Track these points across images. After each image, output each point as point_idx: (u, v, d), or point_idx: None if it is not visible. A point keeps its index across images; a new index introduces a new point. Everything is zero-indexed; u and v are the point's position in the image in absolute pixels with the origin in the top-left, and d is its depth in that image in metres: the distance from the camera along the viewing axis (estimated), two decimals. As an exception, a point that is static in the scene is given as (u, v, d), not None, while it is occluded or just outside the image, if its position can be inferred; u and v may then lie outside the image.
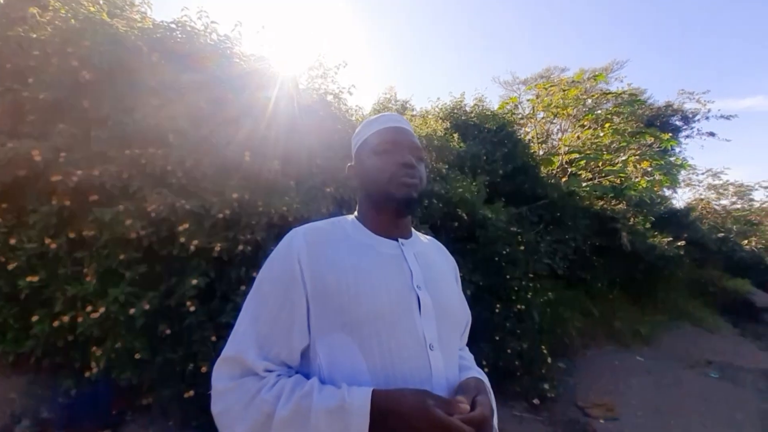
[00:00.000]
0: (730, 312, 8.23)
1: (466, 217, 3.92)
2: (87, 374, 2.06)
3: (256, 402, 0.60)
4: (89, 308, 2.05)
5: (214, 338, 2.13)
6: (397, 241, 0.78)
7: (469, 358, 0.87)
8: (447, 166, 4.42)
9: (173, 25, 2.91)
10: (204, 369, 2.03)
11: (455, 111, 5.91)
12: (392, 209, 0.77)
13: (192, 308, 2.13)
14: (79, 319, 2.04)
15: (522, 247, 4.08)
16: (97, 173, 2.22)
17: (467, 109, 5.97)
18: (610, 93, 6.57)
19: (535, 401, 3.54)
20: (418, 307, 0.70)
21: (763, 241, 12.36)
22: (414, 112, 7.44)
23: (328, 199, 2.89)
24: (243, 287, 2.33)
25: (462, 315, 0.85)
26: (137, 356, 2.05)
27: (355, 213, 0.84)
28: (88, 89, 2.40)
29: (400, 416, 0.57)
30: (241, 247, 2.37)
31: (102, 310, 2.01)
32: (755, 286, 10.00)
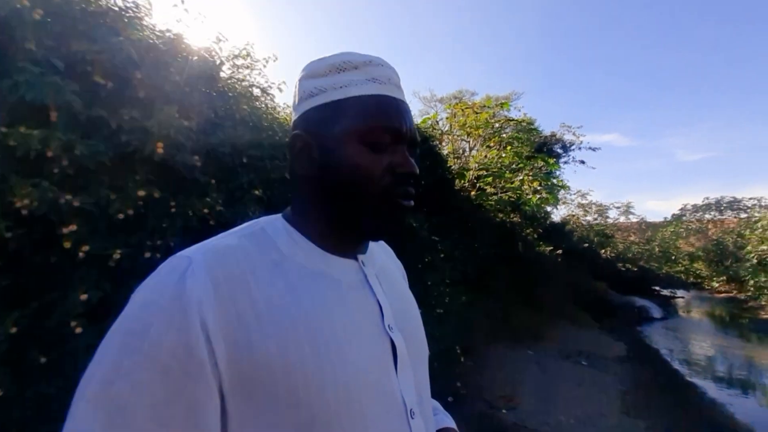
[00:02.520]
0: (593, 309, 10.08)
1: (392, 225, 4.03)
2: None
3: None
4: None
5: (108, 365, 1.76)
6: (356, 259, 0.52)
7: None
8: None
9: (61, -23, 2.36)
10: (93, 404, 1.65)
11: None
12: (364, 234, 0.52)
13: (78, 329, 1.72)
14: None
15: (442, 255, 4.36)
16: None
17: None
18: (512, 120, 7.54)
19: (450, 399, 3.79)
20: (393, 360, 0.48)
21: (616, 251, 15.55)
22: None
23: (256, 203, 2.67)
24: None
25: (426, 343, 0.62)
26: (-7, 394, 1.56)
27: (285, 214, 0.53)
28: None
29: None
30: (147, 255, 2.02)
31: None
32: (610, 287, 12.46)
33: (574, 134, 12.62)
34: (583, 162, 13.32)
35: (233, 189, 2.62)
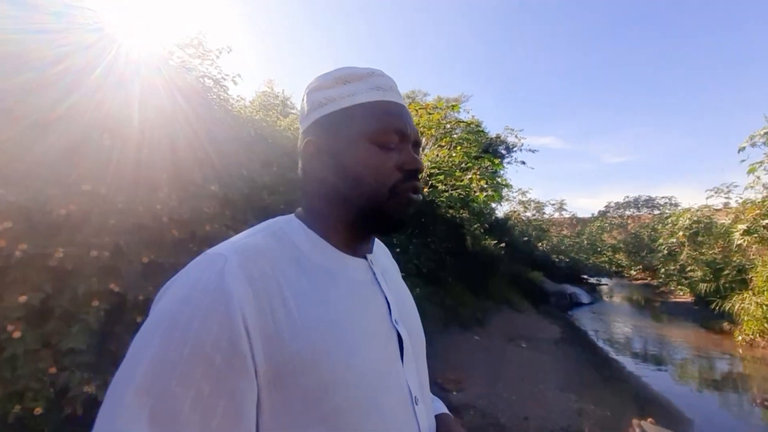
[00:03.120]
0: (531, 297, 10.99)
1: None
2: None
3: None
4: None
5: (53, 370, 1.66)
6: (366, 259, 0.56)
7: None
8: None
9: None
10: (38, 410, 1.55)
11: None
12: (376, 231, 0.56)
13: (17, 334, 1.60)
14: None
15: (397, 249, 4.54)
16: None
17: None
18: (462, 122, 7.96)
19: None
20: (400, 352, 0.52)
21: (551, 244, 17.02)
22: (294, 110, 7.29)
23: (212, 199, 2.61)
24: (96, 303, 1.88)
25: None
26: None
27: (298, 215, 0.56)
28: None
29: None
30: (95, 253, 1.91)
31: None
32: (546, 276, 13.63)
33: (516, 137, 13.58)
34: (524, 162, 14.39)
35: (186, 184, 2.53)
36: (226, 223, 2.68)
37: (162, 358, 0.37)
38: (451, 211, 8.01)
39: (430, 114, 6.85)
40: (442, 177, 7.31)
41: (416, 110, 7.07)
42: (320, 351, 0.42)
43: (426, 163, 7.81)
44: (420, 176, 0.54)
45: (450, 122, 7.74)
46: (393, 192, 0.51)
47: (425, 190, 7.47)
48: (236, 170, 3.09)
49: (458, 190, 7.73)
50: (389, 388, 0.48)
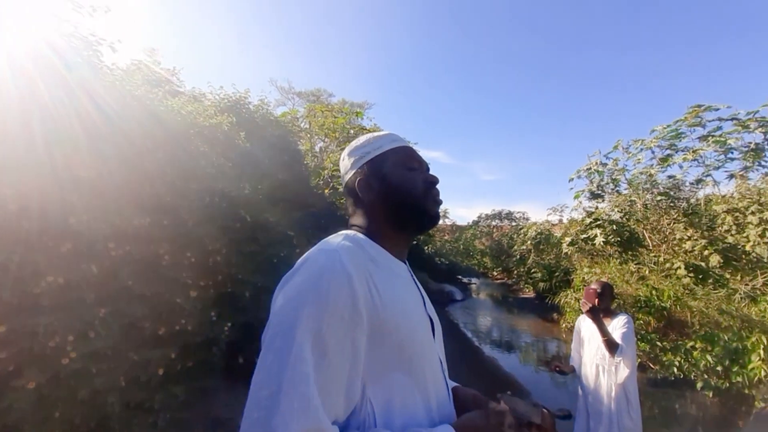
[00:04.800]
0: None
1: (249, 219, 3.91)
2: None
3: None
4: None
5: None
6: (405, 263, 0.77)
7: None
8: (231, 164, 4.24)
9: None
10: None
11: (238, 106, 5.68)
12: (417, 226, 0.76)
13: None
14: None
15: (298, 250, 4.50)
16: None
17: (251, 107, 5.87)
18: (365, 129, 8.30)
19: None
20: (432, 332, 0.73)
21: (435, 248, 18.86)
22: (181, 88, 6.48)
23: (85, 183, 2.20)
24: None
25: None
26: None
27: (358, 230, 0.74)
28: None
29: None
30: None
31: None
32: (429, 277, 15.09)
33: (412, 148, 14.74)
34: (417, 172, 15.66)
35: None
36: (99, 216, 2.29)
37: (319, 315, 0.55)
38: (350, 213, 8.25)
39: (335, 117, 6.95)
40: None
41: (321, 111, 7.09)
42: (397, 323, 0.62)
43: (328, 165, 7.88)
44: (438, 185, 0.78)
45: (354, 128, 7.99)
46: (425, 195, 0.75)
47: (326, 191, 7.53)
48: (115, 151, 2.65)
49: (358, 194, 8.00)
50: (430, 354, 0.70)
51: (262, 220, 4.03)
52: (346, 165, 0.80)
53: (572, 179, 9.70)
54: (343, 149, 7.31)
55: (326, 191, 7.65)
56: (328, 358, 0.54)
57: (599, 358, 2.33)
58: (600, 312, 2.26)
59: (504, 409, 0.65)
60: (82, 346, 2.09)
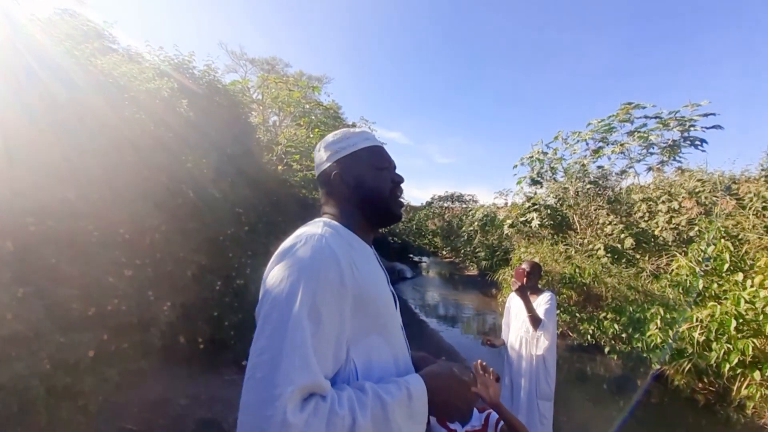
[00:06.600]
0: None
1: (192, 195, 3.72)
2: None
3: (334, 421, 0.59)
4: None
5: None
6: (371, 246, 0.87)
7: None
8: (171, 135, 3.94)
9: None
10: None
11: (181, 70, 5.20)
12: (382, 222, 0.88)
13: None
14: None
15: (246, 228, 4.38)
16: None
17: (196, 72, 5.42)
18: (322, 105, 8.05)
19: (244, 363, 3.98)
20: (395, 302, 0.86)
21: (388, 228, 19.14)
22: (114, 45, 5.77)
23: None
24: None
25: None
26: None
27: (332, 217, 0.83)
28: None
29: (442, 388, 0.75)
30: None
31: None
32: (382, 256, 15.42)
33: (369, 128, 14.62)
34: (374, 152, 15.64)
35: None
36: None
37: (314, 290, 0.64)
38: (304, 191, 8.09)
39: (290, 90, 6.65)
40: (297, 157, 7.28)
41: (276, 82, 6.73)
42: (374, 295, 0.74)
43: (282, 140, 7.60)
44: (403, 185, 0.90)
45: (309, 103, 7.71)
46: (392, 194, 0.86)
47: (280, 167, 7.30)
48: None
49: (313, 171, 7.85)
50: (396, 322, 0.84)
51: (207, 197, 3.85)
52: (321, 157, 0.87)
53: (516, 166, 10.31)
54: (298, 125, 7.07)
55: (279, 168, 7.41)
56: (322, 326, 0.63)
57: (523, 332, 2.63)
58: (527, 290, 2.53)
59: (453, 363, 0.84)
60: (-2, 329, 1.93)
